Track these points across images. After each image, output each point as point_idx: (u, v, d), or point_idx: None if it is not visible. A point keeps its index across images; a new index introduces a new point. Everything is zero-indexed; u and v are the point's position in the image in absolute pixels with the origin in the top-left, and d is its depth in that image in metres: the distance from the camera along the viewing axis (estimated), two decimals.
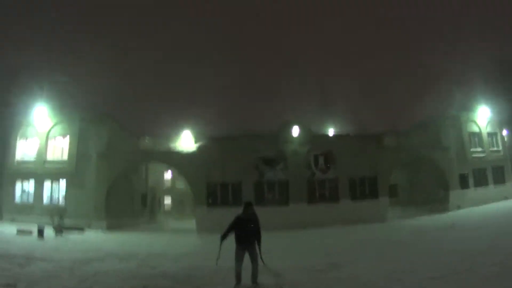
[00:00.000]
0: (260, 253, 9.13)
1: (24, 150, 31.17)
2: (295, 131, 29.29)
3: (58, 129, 30.26)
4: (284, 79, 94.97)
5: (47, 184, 29.66)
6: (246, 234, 8.99)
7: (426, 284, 7.81)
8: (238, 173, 27.96)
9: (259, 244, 9.14)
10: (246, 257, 9.02)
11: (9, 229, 22.24)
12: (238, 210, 9.24)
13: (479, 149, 35.24)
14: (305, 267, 11.17)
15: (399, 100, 78.16)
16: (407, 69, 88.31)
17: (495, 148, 36.68)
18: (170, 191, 50.68)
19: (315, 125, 38.29)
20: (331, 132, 39.05)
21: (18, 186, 30.43)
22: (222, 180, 28.02)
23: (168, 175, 49.99)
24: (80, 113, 30.37)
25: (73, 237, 21.17)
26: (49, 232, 20.99)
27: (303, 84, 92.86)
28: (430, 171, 33.20)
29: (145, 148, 29.59)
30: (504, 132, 38.33)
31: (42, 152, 30.05)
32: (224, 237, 9.15)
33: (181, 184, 46.91)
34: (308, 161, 29.26)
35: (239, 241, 9.03)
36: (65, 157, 29.52)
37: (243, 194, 26.96)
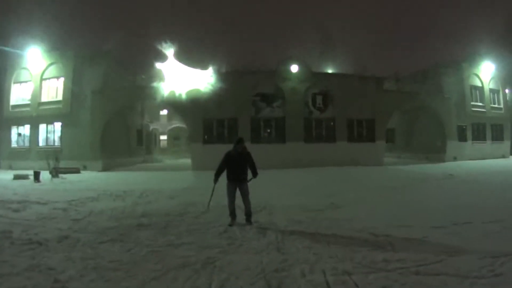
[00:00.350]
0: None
1: (19, 94, 30.82)
2: (294, 68, 28.62)
3: (52, 70, 29.75)
4: (284, 14, 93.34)
5: (42, 127, 29.58)
6: (235, 170, 8.83)
7: (427, 233, 7.61)
8: (235, 109, 27.63)
9: (254, 177, 9.00)
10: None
11: (5, 176, 22.19)
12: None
13: (480, 104, 35.26)
14: (302, 206, 11.07)
15: (403, 44, 77.24)
16: (412, 13, 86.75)
17: (496, 105, 36.75)
18: (166, 127, 50.59)
19: (315, 63, 37.84)
20: (330, 71, 38.54)
21: (14, 131, 30.42)
22: (218, 116, 27.77)
23: (164, 112, 49.79)
24: (74, 51, 29.66)
25: (69, 179, 21.11)
26: (45, 175, 20.88)
27: (304, 21, 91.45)
28: (429, 120, 33.45)
29: (140, 86, 29.14)
30: (507, 91, 38.05)
31: (36, 95, 29.72)
32: (217, 176, 9.00)
33: (177, 121, 46.59)
34: (306, 99, 28.90)
35: (228, 177, 8.90)
36: (60, 98, 29.11)
37: (239, 131, 26.74)
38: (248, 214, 8.99)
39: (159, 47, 27.24)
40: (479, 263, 5.72)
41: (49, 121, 29.07)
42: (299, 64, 28.84)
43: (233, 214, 8.97)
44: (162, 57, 27.48)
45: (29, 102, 29.95)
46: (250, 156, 9.00)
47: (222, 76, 27.48)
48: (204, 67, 27.69)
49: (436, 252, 6.30)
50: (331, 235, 7.69)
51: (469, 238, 7.29)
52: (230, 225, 8.72)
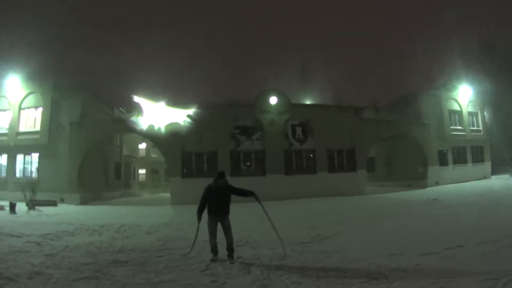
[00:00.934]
0: (268, 217, 8.95)
1: None
2: (273, 100, 28.82)
3: (31, 99, 29.38)
4: (262, 47, 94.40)
5: (19, 158, 29.04)
6: (216, 204, 8.62)
7: (419, 260, 7.52)
8: (214, 142, 27.58)
9: (253, 195, 8.85)
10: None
11: None
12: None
13: (459, 127, 35.71)
14: (288, 239, 10.76)
15: (380, 73, 78.46)
16: (389, 44, 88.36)
17: (475, 127, 37.28)
18: (145, 161, 50.17)
19: (294, 95, 38.18)
20: (309, 102, 38.77)
21: None
22: (198, 149, 27.64)
23: (142, 145, 49.51)
24: (53, 82, 29.42)
25: (46, 211, 20.64)
26: (22, 207, 20.49)
27: (282, 53, 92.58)
28: (409, 147, 33.58)
29: (119, 118, 28.95)
30: (485, 113, 38.58)
31: (14, 125, 29.23)
32: (199, 213, 8.79)
33: (156, 154, 46.30)
34: (285, 131, 29.02)
35: (209, 212, 8.70)
36: (38, 128, 28.69)
37: (219, 164, 26.60)
38: (231, 249, 8.68)
39: (138, 80, 27.42)
40: (480, 286, 5.62)
41: (27, 151, 28.60)
42: (278, 96, 29.04)
43: (215, 250, 8.71)
44: (139, 91, 27.46)
45: (6, 132, 29.43)
46: (232, 187, 8.86)
47: (201, 110, 27.50)
48: (182, 102, 27.74)
49: (432, 279, 6.16)
50: (321, 268, 7.46)
51: (464, 261, 7.21)
52: (213, 260, 8.48)
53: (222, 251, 8.72)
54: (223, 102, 29.07)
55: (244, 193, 8.82)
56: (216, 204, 8.63)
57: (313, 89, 48.23)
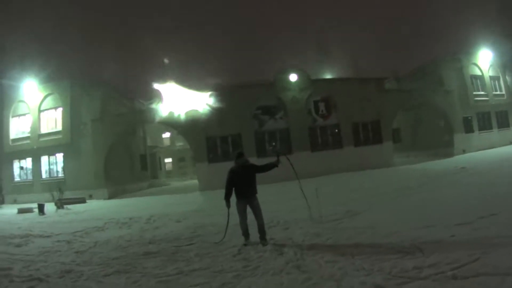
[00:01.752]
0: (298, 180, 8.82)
1: (18, 127, 30.59)
2: (293, 77, 28.23)
3: (49, 101, 29.54)
4: (280, 23, 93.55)
5: (44, 159, 29.33)
6: (242, 186, 8.37)
7: (453, 231, 7.13)
8: (237, 124, 27.23)
9: (276, 165, 8.56)
10: None
11: (10, 210, 21.89)
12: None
13: (482, 93, 34.73)
14: (318, 217, 10.33)
15: (400, 42, 77.19)
16: (407, 11, 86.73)
17: (498, 92, 36.27)
18: (170, 150, 50.35)
19: (314, 70, 37.61)
20: (330, 76, 38.23)
21: (16, 165, 30.21)
22: (221, 133, 27.37)
23: (166, 134, 49.65)
24: (70, 81, 29.49)
25: (75, 209, 20.73)
26: (50, 207, 20.55)
27: (300, 28, 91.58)
28: (433, 115, 32.96)
29: (139, 109, 28.88)
30: (507, 77, 37.57)
31: (35, 127, 29.45)
32: (227, 198, 8.53)
33: (181, 142, 46.30)
34: (308, 107, 28.49)
35: (237, 195, 8.45)
36: (59, 128, 28.84)
37: (244, 146, 26.19)
38: (262, 232, 8.41)
39: (156, 69, 27.18)
40: None
41: (51, 152, 28.81)
42: (297, 73, 28.47)
43: (246, 233, 8.47)
44: (159, 78, 27.23)
45: (29, 135, 29.72)
46: (254, 165, 8.63)
47: (221, 92, 27.19)
48: (202, 87, 27.42)
49: (469, 251, 5.79)
50: (354, 246, 7.17)
51: (499, 231, 6.80)
52: (245, 244, 8.24)
53: (254, 234, 8.47)
54: (243, 83, 28.62)
55: (269, 166, 8.55)
56: (241, 186, 8.39)
57: (332, 63, 47.61)
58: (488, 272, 4.84)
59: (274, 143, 27.57)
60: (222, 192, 8.51)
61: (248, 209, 8.47)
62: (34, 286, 6.44)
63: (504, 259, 5.20)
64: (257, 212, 8.39)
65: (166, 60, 28.71)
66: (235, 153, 8.85)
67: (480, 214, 8.13)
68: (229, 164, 9.03)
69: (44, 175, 29.12)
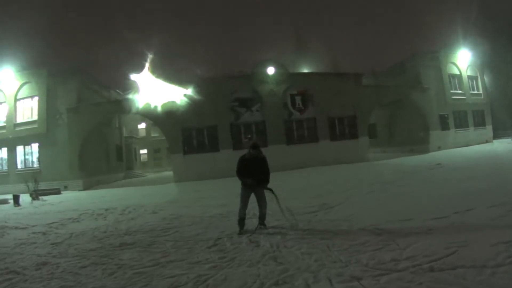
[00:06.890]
0: (275, 196, 8.63)
1: None
2: (270, 70, 28.47)
3: (26, 89, 29.19)
4: (260, 16, 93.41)
5: (19, 149, 29.03)
6: (253, 173, 8.43)
7: (432, 225, 7.37)
8: (214, 116, 27.23)
9: (265, 185, 8.60)
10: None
11: None
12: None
13: (459, 92, 35.51)
14: (294, 209, 10.46)
15: (378, 39, 77.68)
16: (386, 7, 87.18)
17: (475, 91, 37.08)
18: (146, 141, 50.16)
19: (292, 64, 37.81)
20: (307, 70, 38.42)
21: None
22: (197, 125, 27.21)
23: (142, 125, 49.45)
24: (46, 69, 29.09)
25: (50, 200, 20.52)
26: (26, 198, 20.40)
27: (278, 22, 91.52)
28: (410, 112, 33.47)
29: (116, 100, 28.73)
30: (485, 77, 38.28)
31: (11, 116, 29.11)
32: (243, 177, 8.51)
33: (157, 133, 46.20)
34: (285, 101, 28.73)
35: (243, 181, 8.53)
36: (35, 117, 28.54)
37: (219, 139, 26.41)
38: (262, 218, 8.70)
39: (133, 59, 26.97)
40: (493, 250, 5.43)
41: (26, 142, 28.51)
42: (275, 66, 28.69)
43: (241, 222, 8.58)
44: (135, 69, 27.09)
45: (4, 124, 29.32)
46: (265, 161, 8.73)
47: (198, 84, 27.12)
48: (179, 78, 27.35)
49: (445, 244, 5.97)
50: (330, 238, 7.32)
51: (475, 225, 7.07)
52: (239, 234, 8.35)
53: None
54: (220, 75, 28.64)
55: (264, 180, 8.62)
56: (252, 173, 8.44)
57: (311, 58, 47.83)
58: (464, 265, 5.01)
59: (249, 136, 27.66)
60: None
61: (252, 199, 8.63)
62: (11, 279, 6.43)
63: (481, 252, 5.41)
64: (262, 201, 8.60)
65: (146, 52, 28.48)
66: (250, 143, 8.93)
67: (456, 209, 8.37)
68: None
69: (19, 166, 28.85)
